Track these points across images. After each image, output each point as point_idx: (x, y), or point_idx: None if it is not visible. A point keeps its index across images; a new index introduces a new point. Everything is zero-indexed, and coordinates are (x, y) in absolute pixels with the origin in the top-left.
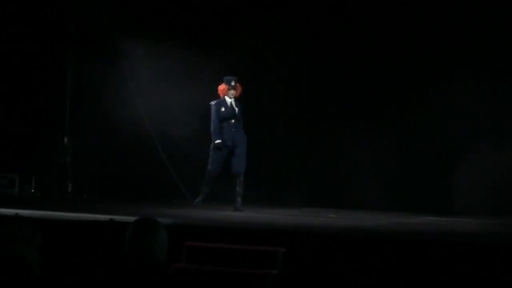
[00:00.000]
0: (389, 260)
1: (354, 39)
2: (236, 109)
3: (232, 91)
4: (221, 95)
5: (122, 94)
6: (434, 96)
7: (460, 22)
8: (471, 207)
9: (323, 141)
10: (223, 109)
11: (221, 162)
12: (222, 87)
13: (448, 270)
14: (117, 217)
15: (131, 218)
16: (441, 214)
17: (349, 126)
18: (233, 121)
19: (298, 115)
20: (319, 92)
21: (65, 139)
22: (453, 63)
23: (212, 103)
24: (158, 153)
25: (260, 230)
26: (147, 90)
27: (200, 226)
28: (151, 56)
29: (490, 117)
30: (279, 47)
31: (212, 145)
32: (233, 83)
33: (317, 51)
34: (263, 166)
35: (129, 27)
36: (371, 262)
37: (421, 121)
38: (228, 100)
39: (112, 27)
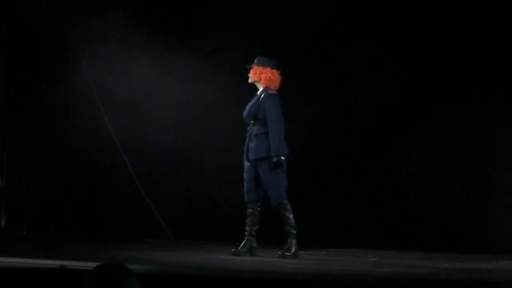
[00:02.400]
0: None
1: None
2: (248, 106)
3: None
4: (274, 86)
5: (78, 87)
6: None
7: None
8: None
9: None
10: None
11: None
12: (271, 72)
13: None
14: (69, 263)
15: (89, 265)
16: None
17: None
18: (250, 125)
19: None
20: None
21: None
22: None
23: (270, 92)
24: (127, 172)
25: (272, 281)
26: (114, 85)
27: (186, 275)
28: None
29: None
30: None
31: (271, 162)
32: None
33: None
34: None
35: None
36: None
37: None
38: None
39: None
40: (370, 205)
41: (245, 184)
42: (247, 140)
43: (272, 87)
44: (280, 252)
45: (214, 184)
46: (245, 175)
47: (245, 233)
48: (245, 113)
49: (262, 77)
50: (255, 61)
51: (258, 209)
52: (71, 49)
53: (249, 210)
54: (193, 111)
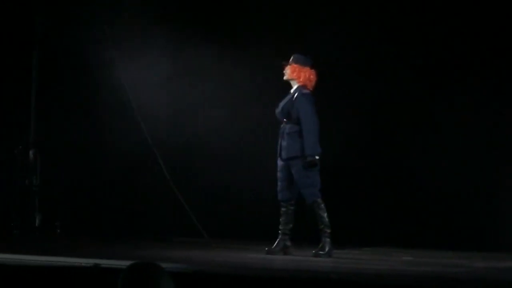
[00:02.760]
0: None
1: None
2: (281, 103)
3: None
4: (310, 86)
5: (111, 93)
6: None
7: None
8: None
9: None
10: None
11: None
12: (310, 72)
13: None
14: (104, 262)
15: (123, 263)
16: None
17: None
18: (283, 123)
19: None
20: None
21: (31, 153)
22: None
23: (304, 92)
24: (160, 171)
25: (306, 280)
26: (143, 86)
27: (220, 274)
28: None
29: None
30: None
31: (304, 161)
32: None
33: None
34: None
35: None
36: None
37: None
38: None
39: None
40: (402, 203)
41: (279, 183)
42: (279, 139)
43: (308, 87)
44: (314, 251)
45: (247, 183)
46: (279, 174)
47: (279, 232)
48: (278, 110)
49: (301, 76)
50: (293, 58)
51: (292, 208)
52: (103, 49)
53: (283, 209)
54: (224, 110)
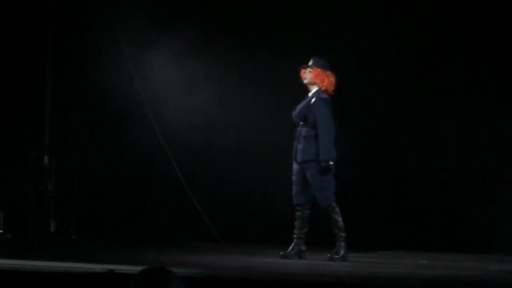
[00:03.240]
0: None
1: None
2: (299, 107)
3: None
4: (330, 90)
5: (126, 97)
6: None
7: None
8: None
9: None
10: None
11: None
12: (332, 76)
13: None
14: (117, 267)
15: (137, 269)
16: None
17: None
18: (299, 126)
19: None
20: None
21: (45, 158)
22: None
23: (322, 96)
24: (175, 175)
25: (321, 284)
26: (161, 89)
27: (233, 279)
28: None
29: None
30: None
31: (319, 165)
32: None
33: None
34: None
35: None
36: None
37: None
38: (309, 94)
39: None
40: (417, 207)
41: (294, 187)
42: (295, 142)
43: (329, 91)
44: (329, 255)
45: (262, 187)
46: (294, 178)
47: (294, 236)
48: (295, 113)
49: (325, 80)
50: (313, 62)
51: (307, 211)
52: (118, 54)
53: (298, 213)
54: (240, 113)
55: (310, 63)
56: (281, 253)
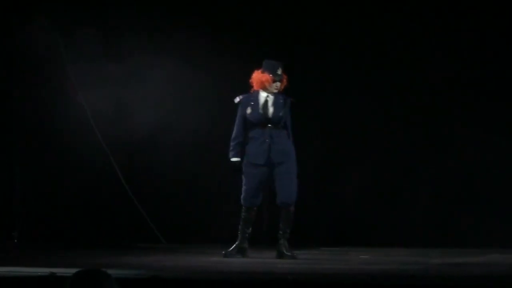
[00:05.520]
0: None
1: None
2: (273, 109)
3: (277, 84)
4: (256, 87)
5: (64, 93)
6: None
7: None
8: None
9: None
10: (250, 110)
11: (260, 189)
12: (263, 76)
13: None
14: (59, 270)
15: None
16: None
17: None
18: (269, 125)
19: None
20: None
21: None
22: None
23: (238, 99)
24: (116, 177)
25: (264, 282)
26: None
27: (173, 279)
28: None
29: None
30: None
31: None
32: (279, 71)
33: None
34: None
35: None
36: None
37: None
38: (264, 95)
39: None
40: (361, 202)
41: (256, 189)
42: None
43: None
44: (286, 253)
45: (205, 187)
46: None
47: (239, 234)
48: (274, 114)
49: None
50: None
51: (254, 212)
52: (55, 54)
53: (247, 214)
54: (178, 111)
55: (280, 71)
56: (223, 252)
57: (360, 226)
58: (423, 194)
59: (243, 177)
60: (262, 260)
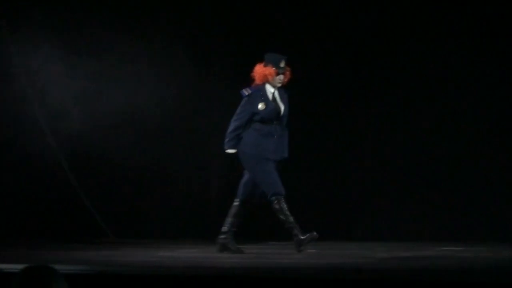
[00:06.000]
0: None
1: None
2: (282, 104)
3: (280, 77)
4: (258, 81)
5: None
6: None
7: None
8: None
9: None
10: (263, 105)
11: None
12: (266, 69)
13: None
14: (5, 266)
15: (22, 267)
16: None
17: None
18: (276, 121)
19: None
20: None
21: None
22: None
23: (246, 92)
24: (63, 170)
25: (208, 277)
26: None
27: (121, 275)
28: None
29: None
30: None
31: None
32: (282, 64)
33: None
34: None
35: None
36: None
37: None
38: (271, 90)
39: None
40: (315, 196)
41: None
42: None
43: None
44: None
45: (159, 181)
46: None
47: (290, 225)
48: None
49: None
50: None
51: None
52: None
53: (283, 204)
54: (137, 108)
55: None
56: (300, 248)
57: (305, 220)
58: (375, 190)
59: (258, 173)
60: (208, 255)
